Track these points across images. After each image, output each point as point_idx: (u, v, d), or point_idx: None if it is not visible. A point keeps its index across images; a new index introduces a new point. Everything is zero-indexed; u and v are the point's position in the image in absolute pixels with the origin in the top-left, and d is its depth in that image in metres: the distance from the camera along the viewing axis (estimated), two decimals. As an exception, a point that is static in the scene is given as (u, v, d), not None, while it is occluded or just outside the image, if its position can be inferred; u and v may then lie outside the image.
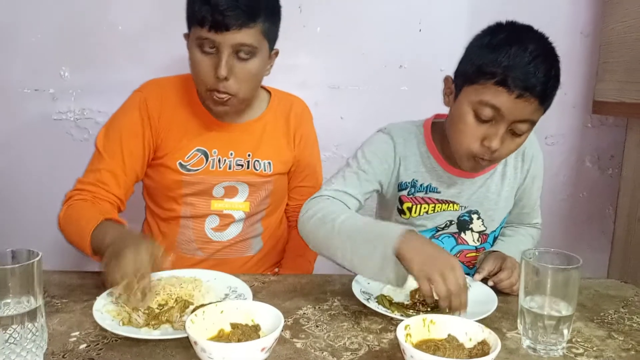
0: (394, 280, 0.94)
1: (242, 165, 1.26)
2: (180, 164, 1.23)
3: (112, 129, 1.22)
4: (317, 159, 1.44)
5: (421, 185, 1.19)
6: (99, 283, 0.99)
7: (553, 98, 1.04)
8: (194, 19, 1.09)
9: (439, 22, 1.75)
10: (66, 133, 1.73)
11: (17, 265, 0.72)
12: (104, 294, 0.95)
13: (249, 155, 1.26)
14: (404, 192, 1.20)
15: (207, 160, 1.24)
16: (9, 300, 0.73)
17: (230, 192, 1.27)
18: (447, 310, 0.92)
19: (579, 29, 1.83)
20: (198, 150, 1.23)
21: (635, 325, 0.97)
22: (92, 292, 0.98)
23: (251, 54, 1.11)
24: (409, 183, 1.20)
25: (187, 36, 1.17)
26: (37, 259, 0.74)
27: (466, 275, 1.10)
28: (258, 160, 1.27)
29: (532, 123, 1.04)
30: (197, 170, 1.23)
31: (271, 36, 1.15)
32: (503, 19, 1.10)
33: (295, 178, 1.40)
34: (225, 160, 1.25)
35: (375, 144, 1.20)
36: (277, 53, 1.24)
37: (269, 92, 1.35)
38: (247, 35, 1.08)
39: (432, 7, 1.76)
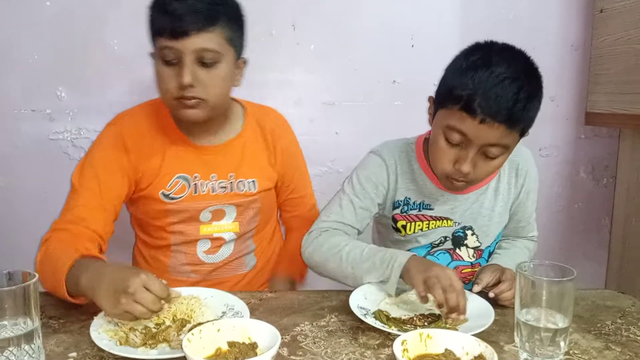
0: (391, 289, 1.04)
1: (225, 188, 1.23)
2: (163, 194, 1.20)
3: (87, 164, 1.17)
4: (302, 167, 1.41)
5: (414, 203, 1.20)
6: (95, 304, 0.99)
7: (529, 119, 1.02)
8: (155, 30, 1.08)
9: (431, 38, 1.78)
10: (63, 152, 1.74)
11: (13, 287, 0.72)
12: (101, 314, 0.94)
13: (231, 176, 1.24)
14: (397, 211, 1.21)
15: (189, 186, 1.21)
16: (5, 322, 0.72)
17: (218, 215, 1.25)
18: (447, 322, 0.93)
19: (570, 42, 1.86)
20: (179, 177, 1.21)
21: (632, 336, 0.97)
22: (89, 312, 0.97)
23: (215, 60, 1.08)
24: (401, 201, 1.20)
25: (152, 55, 1.14)
26: (34, 280, 0.74)
27: (464, 290, 1.11)
28: (242, 181, 1.25)
29: (505, 146, 1.03)
30: (181, 197, 1.21)
31: (236, 43, 1.13)
32: (495, 33, 1.12)
33: (284, 192, 1.37)
34: (207, 184, 1.22)
35: (368, 167, 1.22)
36: (245, 62, 1.21)
37: (243, 106, 1.32)
38: (207, 40, 1.05)
39: (424, 23, 1.79)
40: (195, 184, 1.21)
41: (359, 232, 1.22)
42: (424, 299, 0.98)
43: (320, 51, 1.77)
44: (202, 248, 1.27)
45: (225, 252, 1.29)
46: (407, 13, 1.78)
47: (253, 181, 1.26)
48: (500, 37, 1.11)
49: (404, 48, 1.79)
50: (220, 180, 1.23)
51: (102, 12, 1.64)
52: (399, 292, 1.06)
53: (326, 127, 1.82)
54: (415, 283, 0.98)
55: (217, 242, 1.27)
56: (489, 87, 0.97)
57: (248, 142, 1.27)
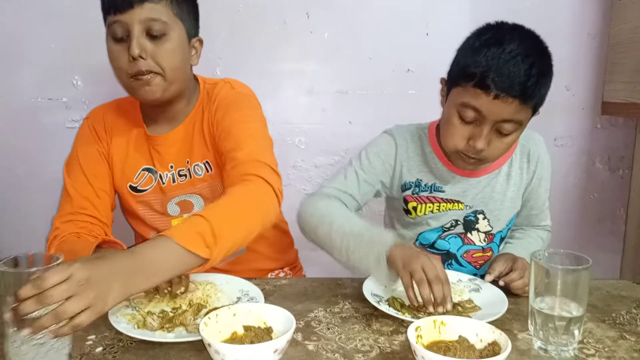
0: (383, 279, 1.04)
1: (185, 176, 1.21)
2: (131, 186, 1.22)
3: (72, 158, 1.21)
4: (244, 121, 1.14)
5: (425, 185, 1.21)
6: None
7: (541, 96, 1.04)
8: (104, 10, 1.09)
9: (446, 26, 1.76)
10: (79, 141, 1.75)
11: (41, 268, 0.74)
12: (119, 299, 0.96)
13: (187, 162, 1.20)
14: (409, 192, 1.23)
15: (155, 178, 1.21)
16: None
17: (186, 207, 1.23)
18: (431, 307, 0.94)
19: (586, 31, 1.83)
20: (145, 169, 1.21)
21: (647, 325, 0.97)
22: (107, 296, 1.00)
23: (163, 31, 1.06)
24: (412, 183, 1.22)
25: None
26: (59, 261, 0.76)
27: (475, 277, 1.11)
28: (198, 164, 1.19)
29: (518, 122, 1.05)
30: (147, 189, 1.22)
31: (185, 18, 1.11)
32: (509, 20, 1.11)
33: (220, 146, 1.15)
34: (167, 174, 1.21)
35: (378, 145, 1.24)
36: (201, 42, 1.18)
37: (199, 84, 1.23)
38: (153, 11, 1.05)
39: (439, 11, 1.77)
40: (157, 175, 1.21)
41: (359, 206, 1.23)
42: (412, 298, 0.96)
43: (333, 40, 1.77)
44: None
45: None
46: (420, 1, 1.76)
47: (207, 162, 1.19)
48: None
49: (418, 37, 1.77)
50: (179, 169, 1.20)
51: (117, 1, 1.65)
52: (393, 279, 1.02)
53: (339, 116, 1.81)
54: (401, 274, 0.98)
55: None
56: (501, 63, 0.99)
57: (197, 122, 1.19)
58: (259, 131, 1.15)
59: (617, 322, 0.98)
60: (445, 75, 1.14)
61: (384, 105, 1.80)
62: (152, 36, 1.06)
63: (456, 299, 1.02)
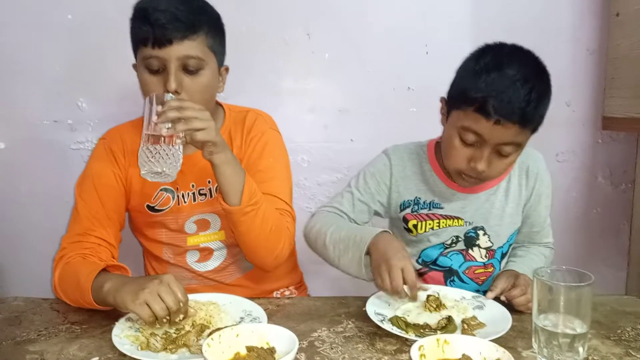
0: (369, 280, 1.09)
1: (205, 195, 1.23)
2: (148, 206, 1.23)
3: (85, 178, 1.22)
4: (275, 165, 1.25)
5: (424, 202, 1.23)
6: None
7: (540, 117, 1.06)
8: (137, 40, 1.10)
9: (445, 44, 1.78)
10: (84, 162, 1.75)
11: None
12: (123, 320, 0.97)
13: (209, 182, 1.22)
14: (408, 210, 1.24)
15: (173, 198, 1.23)
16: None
17: (203, 225, 1.25)
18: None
19: (585, 46, 1.84)
20: (163, 189, 1.22)
21: (652, 342, 0.96)
22: (111, 317, 1.00)
23: (199, 67, 1.10)
24: (411, 201, 1.23)
25: (135, 66, 1.16)
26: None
27: (479, 295, 1.11)
28: None
29: (518, 144, 1.07)
30: (165, 209, 1.23)
31: (217, 50, 1.15)
32: (509, 38, 1.13)
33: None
34: (188, 193, 1.23)
35: (375, 165, 1.28)
36: (227, 69, 1.23)
37: (224, 110, 1.29)
38: (191, 47, 1.08)
39: (438, 30, 1.79)
40: (177, 195, 1.23)
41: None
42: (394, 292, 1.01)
43: (334, 59, 1.79)
44: (191, 259, 1.28)
45: (218, 259, 1.28)
46: (420, 20, 1.79)
47: None
48: (514, 42, 1.12)
49: (418, 55, 1.79)
50: (200, 188, 1.23)
51: (122, 26, 1.66)
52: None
53: (341, 134, 1.83)
54: (373, 274, 1.05)
55: (205, 252, 1.28)
56: (502, 89, 1.01)
57: None
58: (284, 172, 1.27)
59: (623, 338, 0.97)
60: (445, 94, 1.16)
61: (385, 123, 1.81)
62: (187, 71, 1.09)
63: (460, 316, 1.02)
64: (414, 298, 1.04)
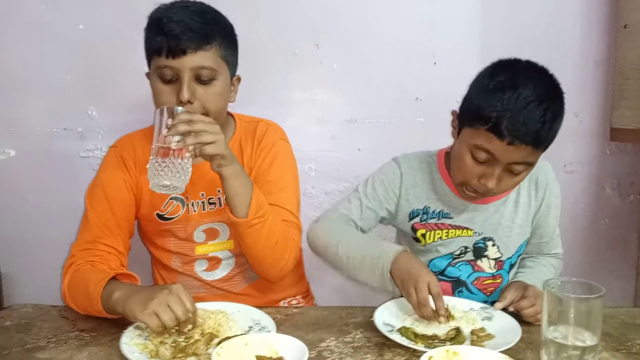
0: (393, 293, 1.09)
1: (214, 204, 1.23)
2: (158, 215, 1.23)
3: (96, 186, 1.22)
4: (284, 176, 1.26)
5: (433, 212, 1.23)
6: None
7: (553, 137, 1.06)
8: (151, 50, 1.11)
9: (453, 55, 1.79)
10: (93, 170, 1.78)
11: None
12: (131, 327, 0.97)
13: (219, 191, 1.22)
14: (417, 220, 1.24)
15: (183, 206, 1.23)
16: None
17: (212, 234, 1.25)
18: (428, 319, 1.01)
19: (593, 58, 1.85)
20: (173, 198, 1.23)
21: (663, 355, 0.95)
22: (119, 325, 1.00)
23: (212, 77, 1.11)
24: (420, 210, 1.23)
25: (148, 75, 1.16)
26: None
27: (487, 306, 1.11)
28: None
29: (529, 164, 1.07)
30: (175, 217, 1.23)
31: (230, 60, 1.16)
32: (517, 50, 1.13)
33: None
34: (198, 202, 1.23)
35: (384, 172, 1.27)
36: (239, 79, 1.24)
37: (235, 120, 1.30)
38: (204, 58, 1.08)
39: (446, 41, 1.80)
40: (188, 204, 1.23)
41: (362, 232, 1.26)
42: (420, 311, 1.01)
43: (343, 69, 1.80)
44: (200, 267, 1.28)
45: (226, 268, 1.29)
46: (428, 31, 1.80)
47: None
48: (522, 54, 1.12)
49: (425, 66, 1.80)
50: (209, 197, 1.24)
51: (131, 36, 1.68)
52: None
53: (348, 143, 1.84)
54: (401, 290, 1.04)
55: (214, 261, 1.28)
56: (516, 110, 1.00)
57: (234, 154, 1.22)
58: (292, 183, 1.28)
59: (633, 351, 0.97)
60: (454, 106, 1.16)
61: (392, 133, 1.82)
62: (200, 81, 1.10)
63: (469, 327, 1.02)
64: (443, 317, 1.01)
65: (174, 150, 0.97)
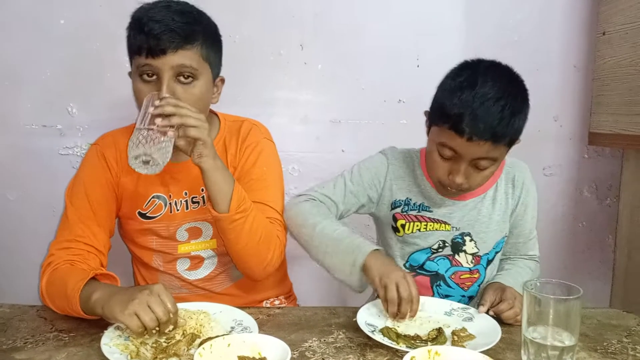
0: (356, 287, 1.11)
1: (198, 203, 1.23)
2: (140, 213, 1.23)
3: (77, 183, 1.20)
4: (268, 174, 1.25)
5: (414, 204, 1.26)
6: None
7: (514, 132, 1.09)
8: (132, 49, 1.10)
9: (436, 58, 1.81)
10: (72, 167, 1.76)
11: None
12: (111, 328, 0.96)
13: (202, 190, 1.20)
14: (398, 210, 1.27)
15: (165, 205, 1.22)
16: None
17: (194, 233, 1.25)
18: (395, 318, 1.04)
19: (572, 63, 1.88)
20: (155, 197, 1.22)
21: (638, 355, 0.98)
22: (99, 325, 0.99)
23: (192, 77, 1.10)
24: (402, 201, 1.26)
25: (130, 74, 1.16)
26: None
27: (469, 307, 1.12)
28: None
29: (493, 159, 1.11)
30: (157, 216, 1.23)
31: (212, 61, 1.15)
32: (499, 54, 1.16)
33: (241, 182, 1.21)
34: (181, 201, 1.22)
35: (371, 161, 1.31)
36: (223, 80, 1.23)
37: (219, 119, 1.30)
38: (184, 57, 1.08)
39: (429, 44, 1.82)
40: (170, 202, 1.22)
41: (341, 216, 1.29)
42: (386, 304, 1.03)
43: (327, 71, 1.81)
44: (182, 267, 1.27)
45: (208, 267, 1.28)
46: (412, 35, 1.81)
47: None
48: (504, 58, 1.15)
49: (409, 68, 1.82)
50: (193, 196, 1.23)
51: (114, 31, 1.68)
52: (364, 286, 1.12)
53: (332, 144, 1.84)
54: (377, 287, 1.04)
55: (196, 260, 1.27)
56: (474, 107, 1.05)
57: (220, 156, 1.18)
58: (277, 181, 1.28)
59: (609, 351, 0.99)
60: (429, 108, 1.19)
61: (376, 134, 1.83)
62: (180, 80, 1.09)
63: (450, 327, 1.03)
64: (414, 313, 1.03)
65: (158, 125, 0.98)
